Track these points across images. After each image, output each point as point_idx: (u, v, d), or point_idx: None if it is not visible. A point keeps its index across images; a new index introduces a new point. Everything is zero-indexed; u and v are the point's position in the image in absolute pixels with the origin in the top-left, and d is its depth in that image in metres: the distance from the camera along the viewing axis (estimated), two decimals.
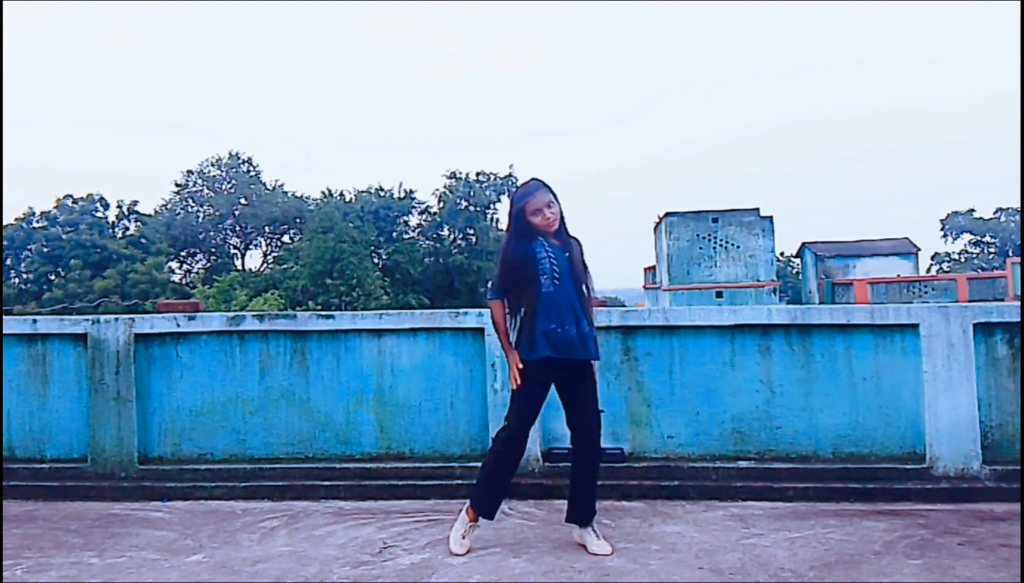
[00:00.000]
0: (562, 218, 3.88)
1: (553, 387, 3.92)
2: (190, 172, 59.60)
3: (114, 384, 5.10)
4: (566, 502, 3.97)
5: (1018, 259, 33.59)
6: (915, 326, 4.74)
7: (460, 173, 56.46)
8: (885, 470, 4.67)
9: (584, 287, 3.87)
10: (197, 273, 53.77)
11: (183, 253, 57.40)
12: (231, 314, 5.24)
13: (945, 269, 68.73)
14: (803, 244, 44.77)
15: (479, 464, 4.87)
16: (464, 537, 3.88)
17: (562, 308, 3.75)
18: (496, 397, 4.87)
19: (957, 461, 4.63)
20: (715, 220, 37.73)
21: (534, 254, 3.78)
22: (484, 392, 4.96)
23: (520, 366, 3.78)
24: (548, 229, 3.81)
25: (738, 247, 37.51)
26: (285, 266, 48.14)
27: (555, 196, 3.85)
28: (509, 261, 3.82)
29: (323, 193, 56.88)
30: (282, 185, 60.63)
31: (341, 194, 56.86)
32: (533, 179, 3.91)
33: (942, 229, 73.25)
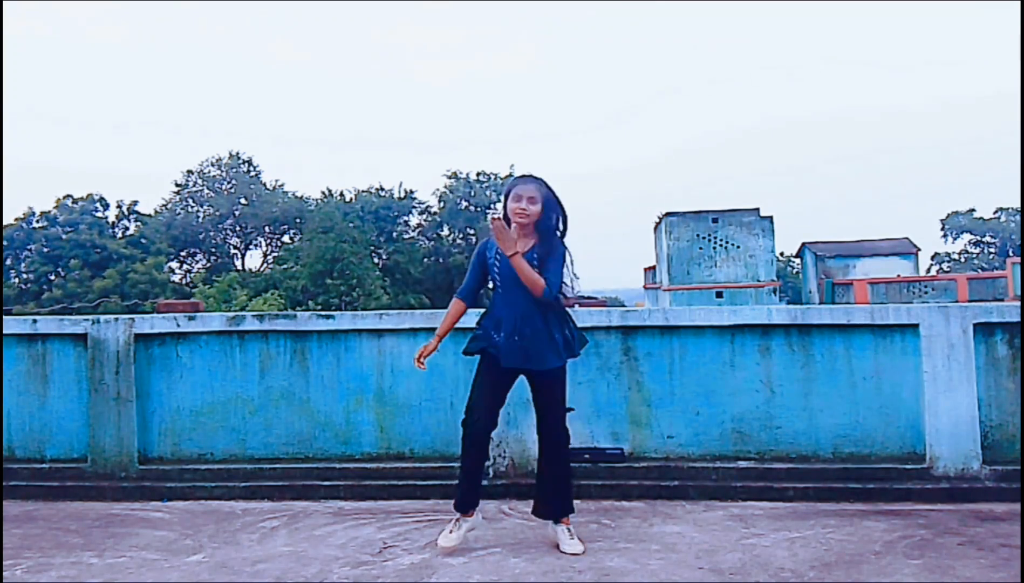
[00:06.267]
0: (545, 224, 3.79)
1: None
2: (190, 172, 59.61)
3: (114, 384, 5.10)
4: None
5: (1018, 259, 33.57)
6: (915, 326, 4.74)
7: (460, 173, 56.52)
8: (885, 470, 4.67)
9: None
10: (197, 273, 53.69)
11: (183, 253, 57.39)
12: (231, 314, 5.23)
13: (945, 269, 68.71)
14: (803, 244, 44.75)
15: None
16: (451, 531, 3.89)
17: (503, 315, 3.81)
18: None
19: (957, 461, 4.63)
20: (715, 220, 37.70)
21: (486, 257, 3.92)
22: None
23: (423, 356, 3.96)
24: (519, 219, 3.78)
25: (738, 247, 37.49)
26: (285, 266, 48.10)
27: (549, 202, 3.79)
28: (473, 259, 4.02)
29: (323, 193, 56.91)
30: (282, 185, 60.66)
31: (341, 194, 56.89)
32: (537, 177, 3.88)
33: (942, 229, 73.25)
